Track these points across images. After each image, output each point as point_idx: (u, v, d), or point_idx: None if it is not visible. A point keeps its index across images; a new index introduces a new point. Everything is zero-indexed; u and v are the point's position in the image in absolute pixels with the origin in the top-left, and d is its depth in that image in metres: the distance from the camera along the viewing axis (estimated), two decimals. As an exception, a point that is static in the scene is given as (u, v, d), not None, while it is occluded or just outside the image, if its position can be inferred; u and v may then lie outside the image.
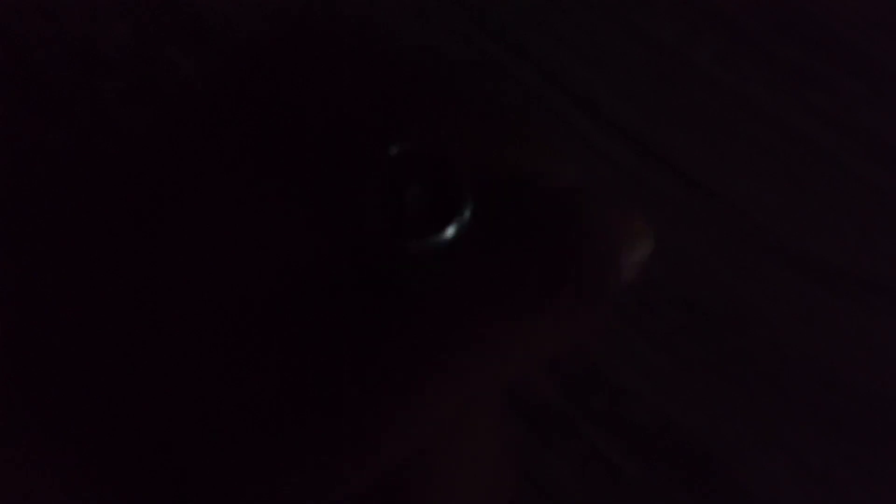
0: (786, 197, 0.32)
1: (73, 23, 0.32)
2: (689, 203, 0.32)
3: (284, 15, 0.33)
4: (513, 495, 0.15)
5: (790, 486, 0.28)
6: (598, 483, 0.28)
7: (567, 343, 0.13)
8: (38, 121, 0.30)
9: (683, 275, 0.30)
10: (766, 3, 0.35)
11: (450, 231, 0.12)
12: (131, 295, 0.12)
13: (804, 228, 0.31)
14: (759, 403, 0.29)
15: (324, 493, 0.12)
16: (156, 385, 0.12)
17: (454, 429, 0.13)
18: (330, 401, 0.12)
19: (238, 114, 0.13)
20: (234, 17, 0.33)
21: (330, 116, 0.13)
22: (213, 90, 0.14)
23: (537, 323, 0.13)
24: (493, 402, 0.14)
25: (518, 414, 0.29)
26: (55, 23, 0.32)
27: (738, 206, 0.32)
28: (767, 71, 0.34)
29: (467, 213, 0.13)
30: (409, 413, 0.12)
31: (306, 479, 0.12)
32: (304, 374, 0.12)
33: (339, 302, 0.12)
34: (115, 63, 0.32)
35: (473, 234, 0.13)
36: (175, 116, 0.13)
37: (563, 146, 0.32)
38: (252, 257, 0.12)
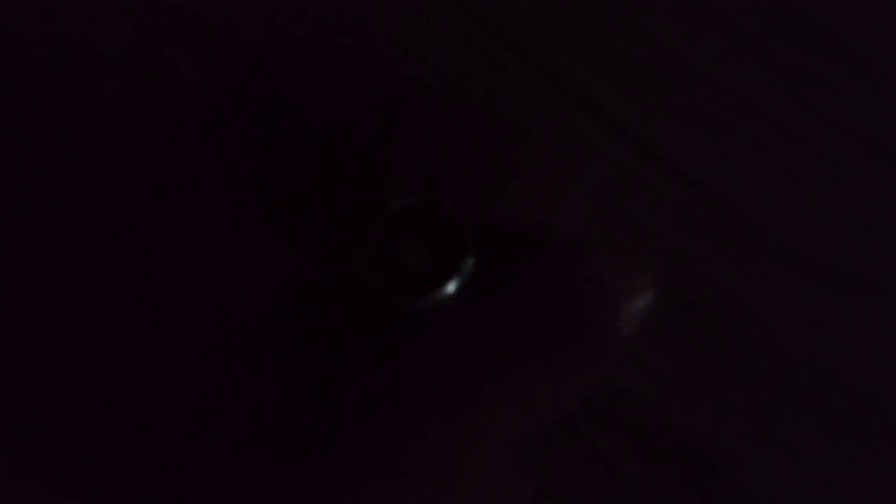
0: (786, 197, 0.32)
1: (73, 23, 0.32)
2: (689, 203, 0.32)
3: (284, 16, 0.33)
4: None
5: (790, 486, 0.28)
6: (598, 483, 0.28)
7: (570, 400, 0.13)
8: (38, 121, 0.30)
9: (683, 275, 0.30)
10: (766, 3, 0.35)
11: (450, 287, 0.12)
12: (131, 295, 0.12)
13: (804, 228, 0.31)
14: (759, 403, 0.29)
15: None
16: (156, 386, 0.12)
17: (469, 457, 0.13)
18: (330, 416, 0.12)
19: (238, 115, 0.13)
20: (235, 17, 0.33)
21: (328, 129, 0.13)
22: (213, 91, 0.14)
23: (539, 378, 0.12)
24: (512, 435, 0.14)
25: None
26: (55, 23, 0.32)
27: (738, 206, 0.32)
28: (767, 71, 0.34)
29: (468, 269, 0.12)
30: (403, 462, 0.12)
31: (304, 491, 0.11)
32: (303, 384, 0.12)
33: (328, 333, 0.12)
34: (115, 63, 0.32)
35: (474, 288, 0.12)
36: (175, 116, 0.13)
37: (563, 146, 0.32)
38: (251, 260, 0.12)
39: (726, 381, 0.29)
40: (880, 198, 0.32)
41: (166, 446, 0.11)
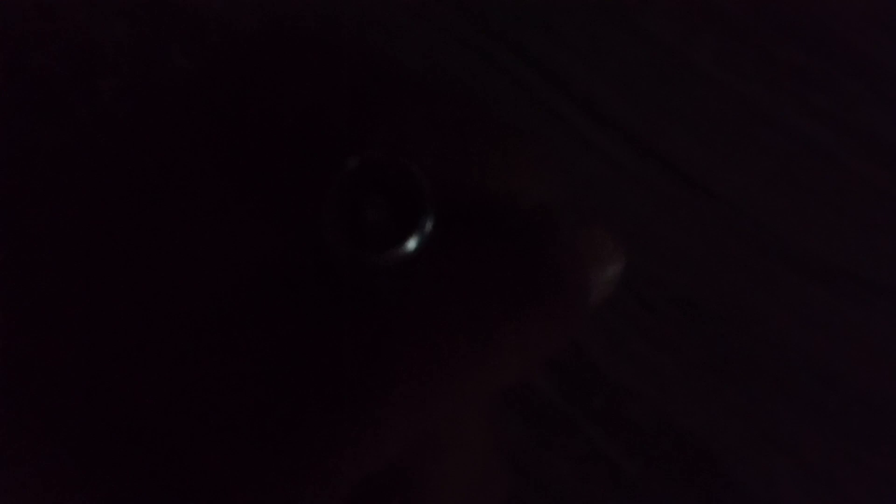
0: (786, 197, 0.32)
1: (73, 22, 0.32)
2: (689, 203, 0.32)
3: (284, 17, 0.33)
4: (505, 494, 0.15)
5: (790, 486, 0.28)
6: (598, 483, 0.28)
7: (535, 363, 0.13)
8: (37, 121, 0.30)
9: (683, 275, 0.30)
10: (766, 3, 0.35)
11: (411, 244, 0.12)
12: (130, 294, 0.12)
13: (804, 228, 0.31)
14: (759, 403, 0.29)
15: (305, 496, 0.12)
16: (153, 383, 0.12)
17: (439, 430, 0.13)
18: (307, 387, 0.12)
19: (230, 111, 0.13)
20: (235, 17, 0.33)
21: (301, 119, 0.13)
22: (206, 88, 0.14)
23: (502, 341, 0.13)
24: (483, 403, 0.14)
25: (518, 414, 0.29)
26: (55, 22, 0.32)
27: (738, 206, 0.32)
28: (767, 71, 0.34)
29: (429, 226, 0.12)
30: (375, 422, 0.12)
31: (288, 482, 0.12)
32: (280, 356, 0.12)
33: (301, 305, 0.12)
34: (114, 62, 0.32)
35: (437, 247, 0.13)
36: (173, 115, 0.13)
37: (562, 146, 0.32)
38: (232, 240, 0.12)
39: (726, 381, 0.29)
40: (880, 198, 0.32)
41: (163, 444, 0.12)
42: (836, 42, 0.34)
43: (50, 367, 0.12)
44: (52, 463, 0.12)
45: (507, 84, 0.33)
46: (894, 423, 0.29)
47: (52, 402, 0.12)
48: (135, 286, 0.12)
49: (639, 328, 0.30)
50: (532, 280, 0.13)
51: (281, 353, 0.12)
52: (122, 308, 0.12)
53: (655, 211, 0.31)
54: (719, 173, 0.32)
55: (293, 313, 0.12)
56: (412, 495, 0.13)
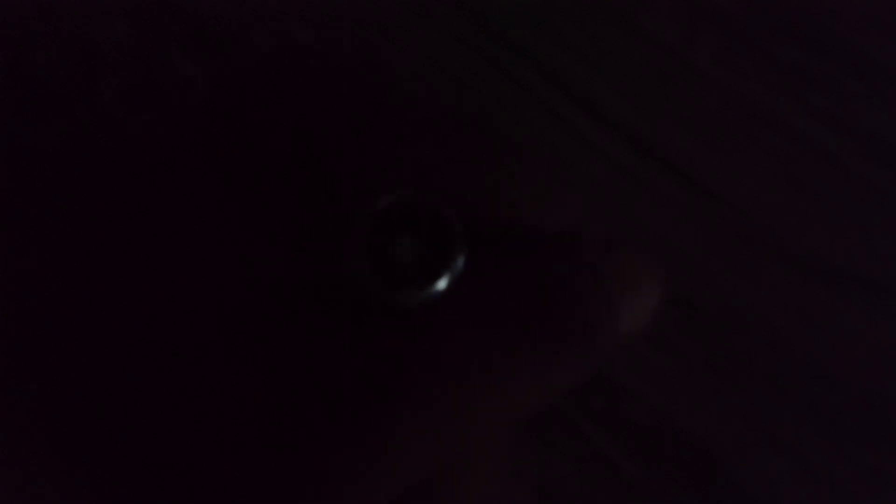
0: (786, 197, 0.32)
1: (73, 23, 0.32)
2: (689, 203, 0.32)
3: (285, 18, 0.33)
4: None
5: (790, 486, 0.28)
6: (598, 483, 0.28)
7: (556, 393, 0.13)
8: (37, 121, 0.30)
9: (683, 275, 0.30)
10: (766, 3, 0.35)
11: (442, 283, 0.12)
12: (131, 295, 0.12)
13: (804, 228, 0.31)
14: (759, 403, 0.29)
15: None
16: (151, 385, 0.12)
17: (463, 451, 0.13)
18: (321, 411, 0.12)
19: (235, 118, 0.13)
20: (235, 18, 0.33)
21: (325, 134, 0.13)
22: (213, 93, 0.14)
23: (521, 371, 0.12)
24: (504, 431, 0.14)
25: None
26: (55, 22, 0.32)
27: (738, 206, 0.32)
28: (767, 71, 0.34)
29: (460, 264, 0.12)
30: (394, 446, 0.12)
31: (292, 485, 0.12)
32: (295, 381, 0.12)
33: (314, 327, 0.12)
34: (115, 63, 0.32)
35: (467, 284, 0.12)
36: (173, 116, 0.13)
37: (562, 146, 0.32)
38: (241, 260, 0.12)
39: (726, 381, 0.29)
40: (880, 198, 0.32)
41: (162, 446, 0.12)
42: (836, 42, 0.34)
43: (50, 367, 0.12)
44: (51, 464, 0.11)
45: (507, 84, 0.33)
46: (894, 423, 0.29)
47: (53, 403, 0.12)
48: (136, 287, 0.12)
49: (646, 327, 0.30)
50: (553, 311, 0.13)
51: (298, 373, 0.12)
52: (122, 308, 0.12)
53: (655, 211, 0.31)
54: (719, 173, 0.32)
55: (309, 339, 0.12)
56: None
